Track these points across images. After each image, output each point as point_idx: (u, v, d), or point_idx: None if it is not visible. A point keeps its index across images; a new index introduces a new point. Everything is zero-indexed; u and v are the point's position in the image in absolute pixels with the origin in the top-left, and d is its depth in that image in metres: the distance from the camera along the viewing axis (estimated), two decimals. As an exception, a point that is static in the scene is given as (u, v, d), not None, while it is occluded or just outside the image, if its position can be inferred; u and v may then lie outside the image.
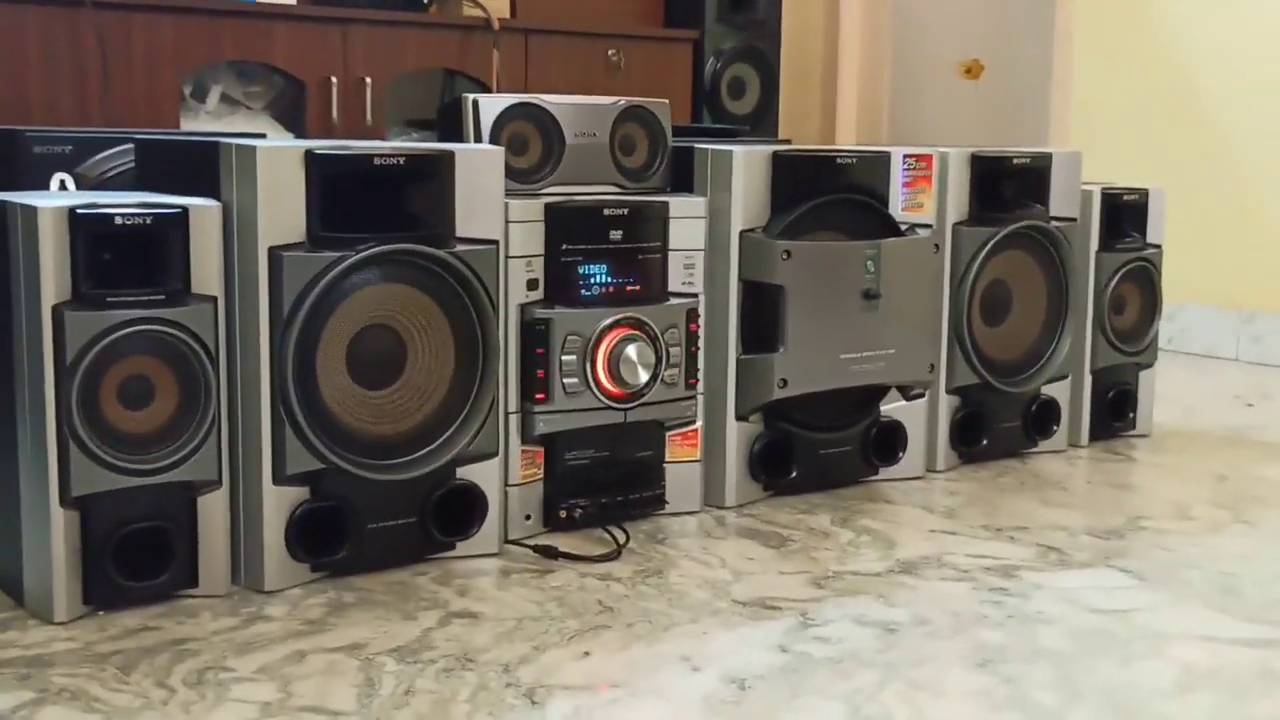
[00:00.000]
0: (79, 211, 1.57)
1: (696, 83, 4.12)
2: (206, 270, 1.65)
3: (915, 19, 4.74)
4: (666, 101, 2.16)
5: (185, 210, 1.64)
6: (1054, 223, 2.44)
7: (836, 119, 4.74)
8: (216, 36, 3.37)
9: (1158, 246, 2.65)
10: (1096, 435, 2.62)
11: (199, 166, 1.73)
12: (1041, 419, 2.50)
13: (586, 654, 1.55)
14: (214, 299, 1.65)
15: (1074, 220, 2.49)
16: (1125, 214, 2.61)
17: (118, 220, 1.60)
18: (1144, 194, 2.63)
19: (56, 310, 1.55)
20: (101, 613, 1.62)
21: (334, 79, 3.49)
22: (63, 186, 2.09)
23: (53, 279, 1.55)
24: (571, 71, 3.84)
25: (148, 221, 1.61)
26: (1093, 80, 4.01)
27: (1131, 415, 2.67)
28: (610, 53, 3.93)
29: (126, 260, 1.60)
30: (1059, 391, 2.52)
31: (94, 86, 3.21)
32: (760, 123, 4.20)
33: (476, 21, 3.72)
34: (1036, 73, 4.28)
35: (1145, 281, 2.64)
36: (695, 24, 4.12)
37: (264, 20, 3.41)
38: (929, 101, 4.71)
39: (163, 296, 1.61)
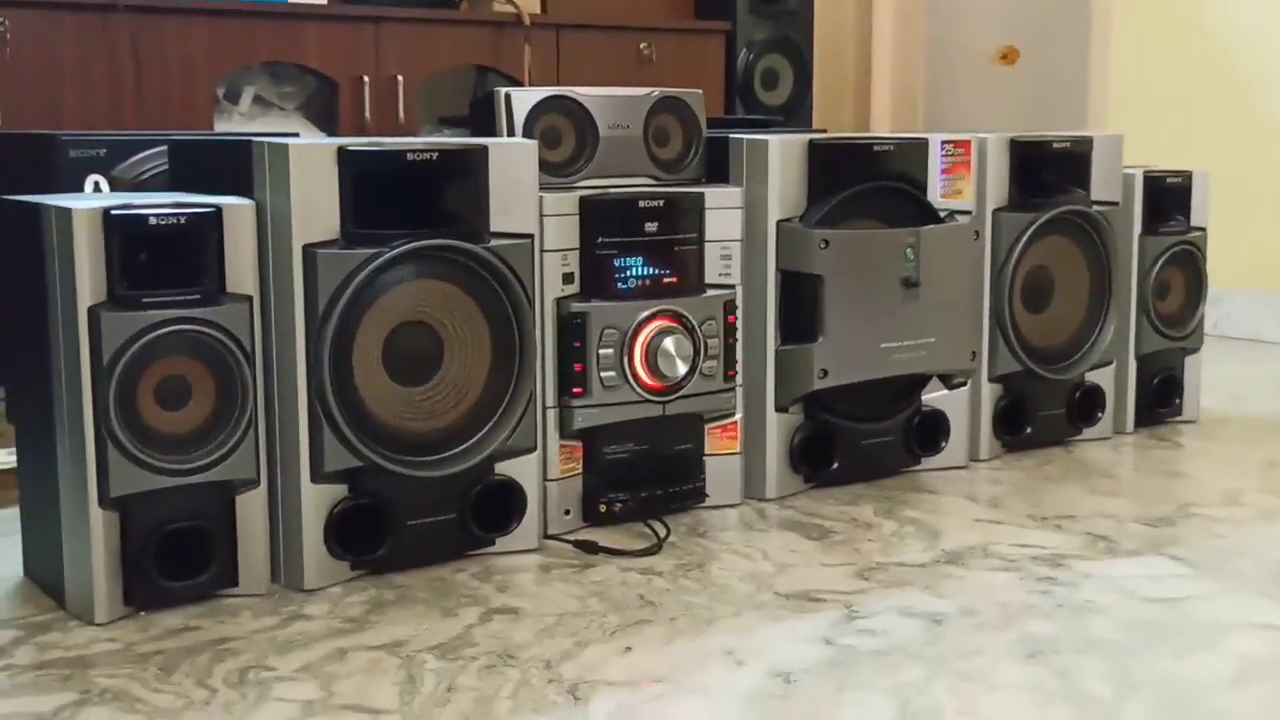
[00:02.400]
0: (113, 213, 1.57)
1: (729, 75, 4.10)
2: (241, 269, 1.64)
3: (949, 6, 4.70)
4: (700, 91, 2.14)
5: (219, 210, 1.63)
6: (1096, 207, 2.40)
7: (871, 109, 4.70)
8: (249, 38, 3.37)
9: (1202, 230, 2.61)
10: (1142, 422, 2.58)
11: (232, 166, 1.72)
12: (1086, 406, 2.47)
13: (628, 649, 1.53)
14: (249, 298, 1.65)
15: (1116, 204, 2.45)
16: (1168, 197, 2.56)
17: (152, 221, 1.59)
18: (1188, 177, 2.59)
19: (93, 312, 1.55)
20: (142, 613, 1.62)
21: (366, 78, 3.49)
22: (96, 188, 2.09)
23: (88, 280, 1.55)
24: (603, 66, 3.83)
25: (182, 221, 1.61)
26: (1133, 64, 3.96)
27: (1178, 401, 2.63)
28: (642, 46, 3.91)
29: (161, 261, 1.60)
30: (1103, 378, 2.48)
31: (128, 91, 3.22)
32: (794, 114, 4.17)
33: (508, 18, 3.71)
34: (1073, 58, 4.23)
35: (1190, 265, 2.60)
36: (727, 16, 4.10)
37: (296, 21, 3.41)
38: (964, 89, 4.67)
39: (198, 296, 1.61)
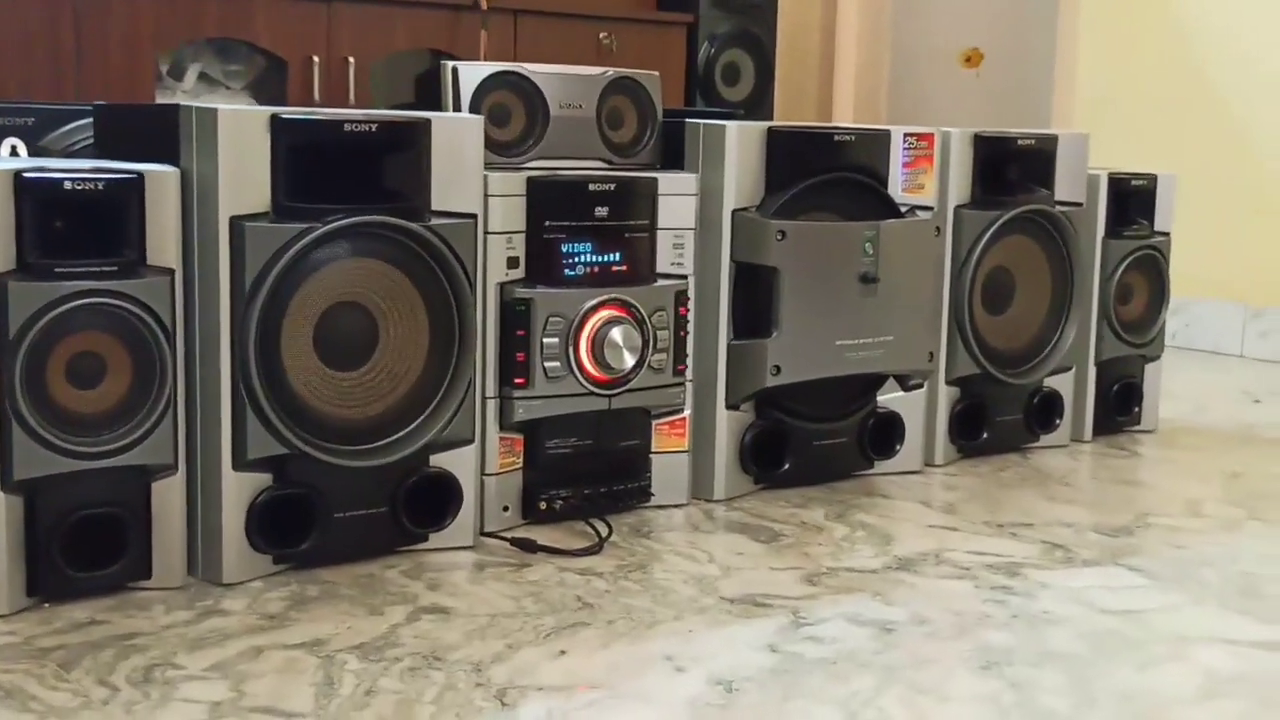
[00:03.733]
0: (25, 175, 1.47)
1: (690, 68, 4.03)
2: (163, 241, 1.55)
3: (914, 6, 4.65)
4: (656, 74, 2.06)
5: (141, 176, 1.54)
6: (1059, 207, 2.34)
7: (833, 107, 4.65)
8: (196, 12, 3.27)
9: (1166, 234, 2.56)
10: (1101, 430, 2.52)
11: (158, 132, 1.63)
12: (1044, 412, 2.41)
13: (563, 653, 1.45)
14: (171, 271, 1.55)
15: (1080, 205, 2.40)
16: (1133, 200, 2.51)
17: (67, 185, 1.50)
18: (1153, 180, 2.53)
19: (-1, 280, 1.45)
20: (47, 605, 1.52)
21: (316, 58, 3.40)
22: (14, 152, 1.99)
23: (-5, 247, 1.45)
24: (561, 54, 3.74)
25: (99, 188, 1.51)
26: (1100, 66, 3.92)
27: (1137, 409, 2.57)
28: (602, 36, 3.83)
29: (77, 229, 1.50)
30: (1062, 384, 2.42)
31: (68, 64, 3.11)
32: (755, 110, 4.11)
33: (464, 1, 3.62)
34: (1039, 61, 4.18)
35: (1153, 270, 2.54)
36: (689, 8, 4.03)
37: (245, -4, 3.31)
38: (928, 90, 4.62)
39: (116, 268, 1.51)
